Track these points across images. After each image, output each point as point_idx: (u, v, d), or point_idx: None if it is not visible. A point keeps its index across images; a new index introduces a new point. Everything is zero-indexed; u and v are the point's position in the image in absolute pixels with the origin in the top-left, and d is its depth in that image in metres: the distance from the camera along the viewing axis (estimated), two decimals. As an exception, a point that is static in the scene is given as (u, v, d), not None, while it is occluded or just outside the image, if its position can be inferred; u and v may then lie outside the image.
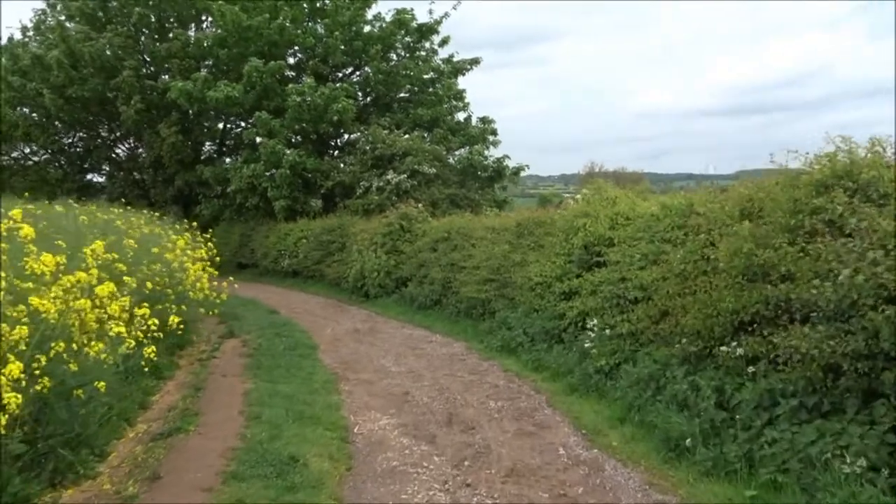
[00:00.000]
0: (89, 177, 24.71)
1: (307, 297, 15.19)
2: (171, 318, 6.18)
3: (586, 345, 6.39)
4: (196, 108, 19.38)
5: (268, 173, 18.81)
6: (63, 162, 23.99)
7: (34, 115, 21.05)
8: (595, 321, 6.45)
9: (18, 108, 20.89)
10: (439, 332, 10.21)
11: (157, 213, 11.71)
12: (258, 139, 19.22)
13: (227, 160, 20.58)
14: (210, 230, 21.72)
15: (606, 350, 6.09)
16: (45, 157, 23.97)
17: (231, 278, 11.11)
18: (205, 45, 19.85)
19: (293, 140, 20.34)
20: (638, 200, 8.08)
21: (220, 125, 22.42)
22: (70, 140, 23.32)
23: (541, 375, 6.97)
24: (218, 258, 11.64)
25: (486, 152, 21.35)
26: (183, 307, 6.97)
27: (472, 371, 7.50)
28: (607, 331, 6.21)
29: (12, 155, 24.37)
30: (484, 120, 23.24)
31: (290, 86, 18.68)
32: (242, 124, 21.53)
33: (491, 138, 22.63)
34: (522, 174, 23.54)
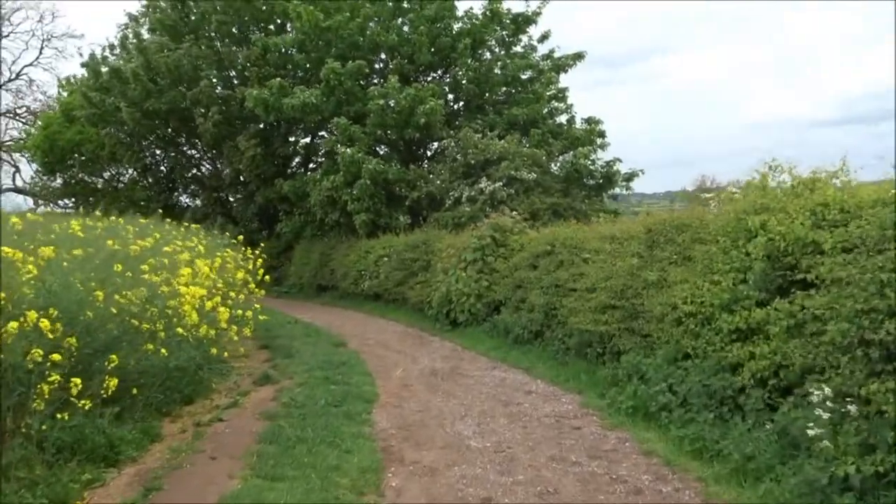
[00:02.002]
0: (176, 197, 24.09)
1: (385, 324, 13.01)
2: (109, 380, 4.04)
3: (807, 429, 3.60)
4: (273, 118, 17.94)
5: (348, 185, 16.97)
6: (150, 182, 23.51)
7: (118, 133, 20.51)
8: (822, 388, 3.65)
9: (102, 127, 20.41)
10: (541, 376, 7.63)
11: (195, 226, 9.89)
12: (337, 148, 17.47)
13: (307, 173, 18.99)
14: (291, 248, 20.49)
15: (853, 444, 3.31)
16: (131, 177, 23.60)
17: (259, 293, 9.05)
18: (282, 50, 18.47)
19: (376, 149, 18.48)
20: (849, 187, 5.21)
21: (301, 136, 20.98)
22: (154, 159, 22.77)
23: (711, 470, 4.24)
24: (266, 276, 9.72)
25: (592, 156, 18.54)
26: (163, 351, 4.84)
27: (594, 452, 4.88)
28: (851, 407, 3.42)
29: (104, 176, 24.23)
30: (590, 120, 20.43)
31: (372, 88, 16.81)
32: (324, 134, 19.96)
33: (598, 141, 19.81)
34: (632, 183, 20.37)
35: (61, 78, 23.25)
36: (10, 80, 31.78)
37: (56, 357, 3.61)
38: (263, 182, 19.82)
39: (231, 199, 22.41)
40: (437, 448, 5.09)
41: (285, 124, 19.54)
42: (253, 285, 9.22)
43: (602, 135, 20.21)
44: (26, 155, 26.57)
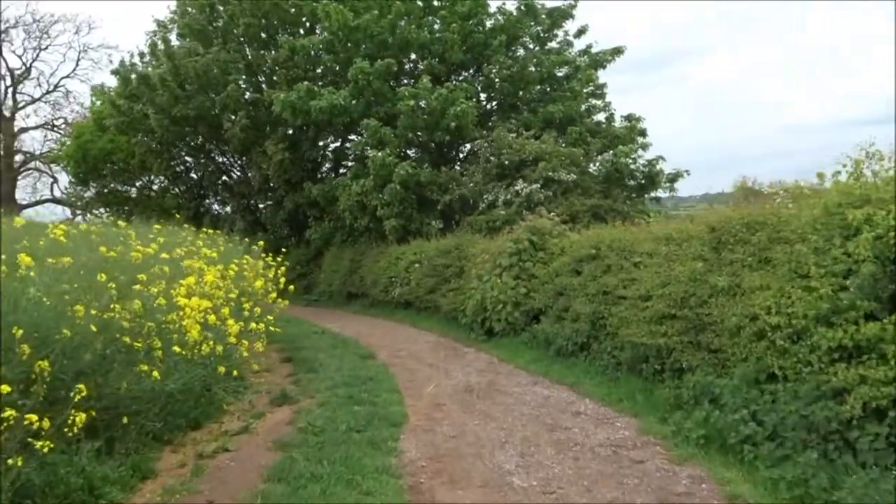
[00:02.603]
0: (207, 204, 23.83)
1: (417, 334, 12.28)
2: (74, 415, 3.37)
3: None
4: (300, 121, 17.41)
5: (378, 190, 16.32)
6: (181, 189, 23.29)
7: (148, 140, 20.28)
8: None
9: (132, 135, 20.21)
10: (589, 395, 6.78)
11: (212, 231, 9.28)
12: (367, 151, 16.86)
13: (336, 178, 18.43)
14: (321, 255, 19.95)
15: None
16: (162, 185, 23.43)
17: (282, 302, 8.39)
18: (311, 52, 17.96)
19: (405, 152, 17.84)
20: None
21: (330, 140, 20.46)
22: (184, 166, 22.54)
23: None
24: (291, 286, 9.10)
25: (633, 155, 17.55)
26: (154, 374, 4.16)
27: (665, 496, 4.05)
28: None
29: (136, 184, 24.12)
30: (629, 118, 19.47)
31: (402, 88, 16.16)
32: (353, 137, 19.37)
33: (640, 140, 18.82)
34: (677, 184, 19.19)
35: (93, 87, 23.10)
36: (48, 92, 32.18)
37: (5, 388, 2.95)
38: (292, 187, 19.34)
39: (260, 205, 22.01)
40: (475, 486, 4.31)
41: (313, 128, 19.01)
42: (274, 294, 8.59)
43: (643, 133, 19.24)
44: (61, 165, 26.67)
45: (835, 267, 4.22)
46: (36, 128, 30.47)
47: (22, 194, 32.19)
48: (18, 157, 32.18)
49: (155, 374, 4.08)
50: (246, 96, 19.64)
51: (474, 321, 11.04)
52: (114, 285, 4.19)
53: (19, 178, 32.55)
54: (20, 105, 31.37)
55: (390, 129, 16.54)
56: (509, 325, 10.24)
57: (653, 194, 18.26)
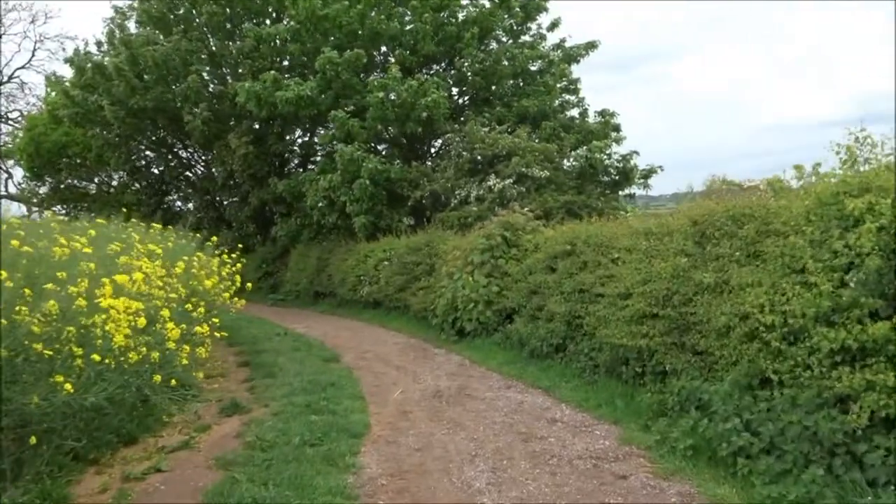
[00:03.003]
0: (169, 200, 22.94)
1: (386, 334, 11.77)
2: None
3: None
4: (266, 113, 16.74)
5: (346, 185, 15.74)
6: (142, 185, 22.37)
7: (105, 133, 19.37)
8: None
9: (87, 128, 19.29)
10: (566, 400, 6.36)
11: (156, 226, 8.64)
12: (335, 145, 16.27)
13: (304, 173, 17.78)
14: (288, 253, 19.29)
15: None
16: (122, 180, 22.51)
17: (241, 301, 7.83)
18: (277, 41, 17.30)
19: (375, 147, 17.31)
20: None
21: (297, 134, 19.80)
22: (144, 161, 21.63)
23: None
24: (249, 284, 8.53)
25: (608, 150, 17.26)
26: (66, 386, 3.59)
27: (652, 517, 3.62)
28: None
29: (94, 180, 23.15)
30: (603, 113, 19.23)
31: (372, 78, 15.61)
32: (322, 130, 18.74)
33: (613, 135, 18.55)
34: (650, 180, 18.90)
35: (48, 76, 22.02)
36: (1, 83, 30.89)
37: None
38: (257, 182, 18.65)
39: (225, 201, 21.24)
40: (440, 509, 3.84)
41: (280, 121, 18.35)
42: (227, 295, 8.01)
43: (617, 128, 19.02)
44: (14, 160, 25.51)
45: (835, 261, 3.84)
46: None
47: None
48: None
49: (68, 386, 3.54)
50: (209, 88, 18.87)
51: (445, 321, 10.58)
52: (15, 284, 3.61)
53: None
54: (-27, 98, 30.07)
55: (359, 122, 15.99)
56: (481, 325, 9.80)
57: (627, 191, 18.04)
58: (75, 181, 23.29)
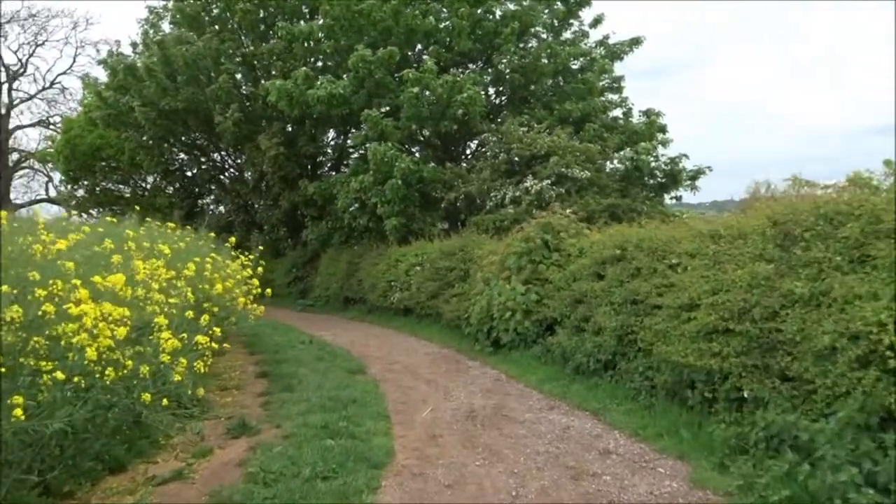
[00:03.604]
0: (203, 204, 22.69)
1: (416, 344, 11.05)
2: None
3: None
4: (297, 113, 16.24)
5: (378, 186, 15.11)
6: (175, 188, 22.16)
7: (138, 135, 19.17)
8: None
9: (120, 130, 19.11)
10: (619, 426, 5.53)
11: (171, 224, 8.05)
12: (368, 145, 15.68)
13: (334, 174, 17.24)
14: (318, 257, 18.77)
15: None
16: (154, 183, 22.34)
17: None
18: (309, 40, 16.81)
19: (409, 148, 16.66)
20: None
21: (331, 135, 19.29)
22: (177, 164, 21.39)
23: None
24: (269, 290, 7.92)
25: (654, 152, 16.32)
26: (16, 412, 2.94)
27: None
28: None
29: (129, 183, 23.06)
30: (648, 113, 18.28)
31: (406, 71, 14.96)
32: (354, 132, 18.20)
33: (660, 136, 17.60)
34: (698, 182, 17.81)
35: (83, 78, 21.99)
36: (43, 89, 31.32)
37: None
38: (288, 185, 18.18)
39: (256, 204, 20.86)
40: (474, 573, 3.07)
41: (312, 122, 17.86)
42: (243, 300, 7.39)
43: (663, 129, 18.05)
44: (52, 163, 25.66)
45: None
46: (31, 125, 29.54)
47: (16, 194, 31.32)
48: (14, 156, 31.31)
49: (17, 412, 2.89)
50: (241, 89, 18.51)
51: (479, 330, 9.80)
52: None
53: (14, 177, 31.68)
54: (15, 102, 30.52)
55: (392, 122, 15.37)
56: (519, 337, 9.00)
57: (673, 193, 17.05)
58: (110, 184, 23.23)
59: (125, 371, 3.67)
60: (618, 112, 18.65)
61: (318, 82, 15.66)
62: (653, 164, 16.08)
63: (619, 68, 18.76)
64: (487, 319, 9.61)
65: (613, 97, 18.98)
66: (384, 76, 15.75)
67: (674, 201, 17.41)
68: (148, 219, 8.12)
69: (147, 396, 3.90)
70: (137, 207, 18.30)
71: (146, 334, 4.30)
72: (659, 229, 7.28)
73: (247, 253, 8.89)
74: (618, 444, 5.10)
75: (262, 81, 18.68)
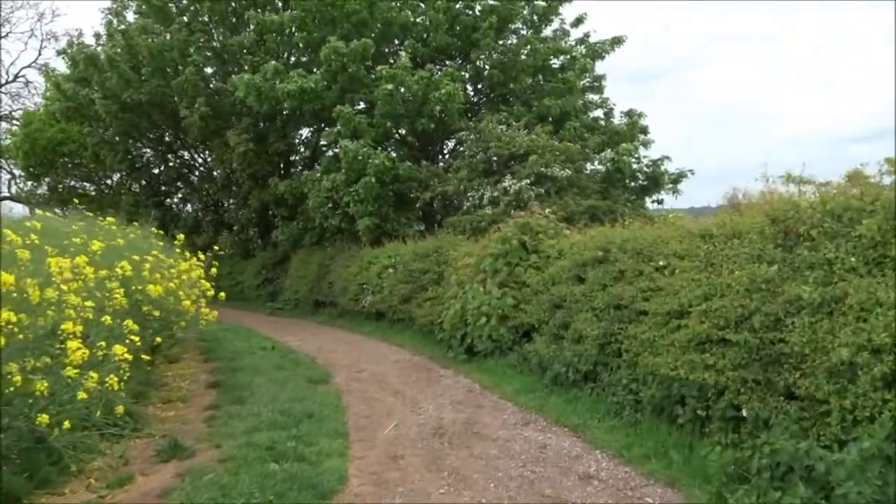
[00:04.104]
0: (170, 203, 21.81)
1: (387, 350, 10.44)
2: None
3: None
4: (267, 108, 15.56)
5: (350, 185, 14.47)
6: (141, 185, 21.27)
7: (99, 130, 18.30)
8: None
9: (81, 123, 18.22)
10: (601, 445, 4.99)
11: (111, 220, 7.35)
12: (340, 143, 15.05)
13: (306, 173, 16.53)
14: (289, 259, 18.05)
15: None
16: (121, 181, 21.45)
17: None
18: (282, 31, 16.13)
19: (384, 145, 16.05)
20: None
21: (303, 133, 18.59)
22: (143, 160, 20.48)
23: None
24: (221, 294, 7.27)
25: (636, 153, 15.93)
26: None
27: None
28: None
29: (92, 180, 22.14)
30: (630, 114, 17.89)
31: (380, 68, 14.37)
32: (328, 129, 17.55)
33: (641, 137, 17.19)
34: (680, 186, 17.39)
35: (43, 69, 21.02)
36: (7, 83, 30.18)
37: None
38: (258, 183, 17.47)
39: (225, 203, 20.08)
40: None
41: (283, 118, 17.18)
42: (188, 303, 6.73)
43: (644, 130, 17.65)
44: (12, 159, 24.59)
45: None
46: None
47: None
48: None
49: None
50: (210, 83, 17.75)
51: (453, 337, 9.22)
52: None
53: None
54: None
55: (366, 119, 14.77)
56: (494, 343, 8.44)
57: (655, 197, 16.68)
58: (73, 181, 22.27)
59: (12, 388, 3.03)
60: (599, 112, 18.25)
61: (289, 75, 15.03)
62: (634, 165, 15.71)
63: (602, 68, 18.36)
64: (461, 325, 9.04)
65: (594, 97, 18.57)
66: (358, 70, 15.14)
67: (655, 205, 17.02)
68: (109, 218, 7.51)
69: (45, 418, 3.26)
70: (98, 206, 17.45)
71: (54, 343, 3.67)
72: (644, 229, 6.78)
73: (209, 253, 8.19)
74: (600, 468, 4.55)
75: (233, 76, 17.99)
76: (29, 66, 29.23)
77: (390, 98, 14.37)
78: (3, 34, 28.82)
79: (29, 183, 22.96)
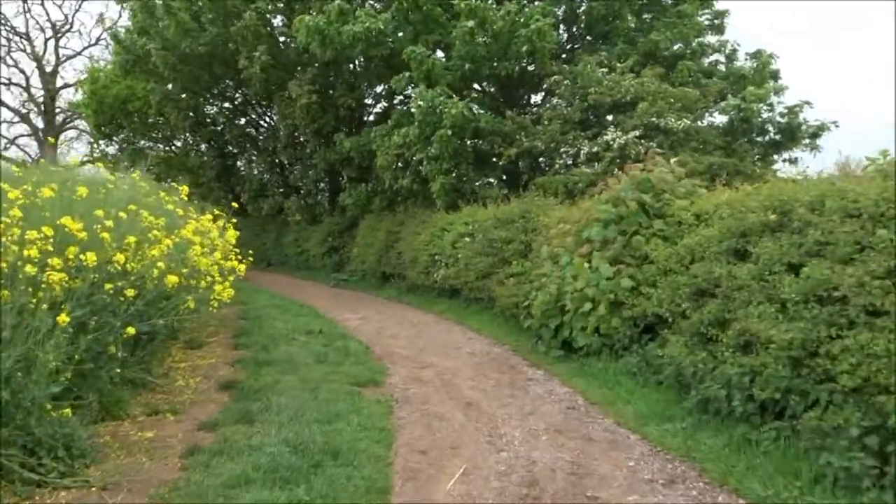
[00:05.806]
0: (235, 163, 20.59)
1: (460, 337, 8.47)
2: None
3: None
4: (331, 54, 13.72)
5: (423, 140, 12.47)
6: (207, 145, 20.11)
7: (163, 85, 17.10)
8: None
9: (139, 77, 17.04)
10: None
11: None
12: (411, 90, 13.06)
13: (375, 129, 14.68)
14: (356, 225, 16.39)
15: None
16: (185, 140, 20.36)
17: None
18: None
19: (463, 94, 13.91)
20: None
21: (380, 88, 16.62)
22: (207, 118, 19.21)
23: None
24: (242, 265, 5.46)
25: (768, 100, 13.00)
26: None
27: None
28: None
29: (160, 138, 21.21)
30: (757, 55, 14.86)
31: (459, 1, 12.18)
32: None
33: (771, 83, 14.16)
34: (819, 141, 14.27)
35: (104, 21, 20.03)
36: (89, 45, 29.99)
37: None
38: (323, 140, 15.75)
39: (289, 163, 18.56)
40: None
41: (350, 70, 15.31)
42: (205, 282, 4.98)
43: (775, 75, 14.65)
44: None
45: None
46: (74, 84, 28.11)
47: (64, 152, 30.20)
48: (60, 117, 30.17)
49: None
50: (273, 29, 16.06)
51: (544, 325, 7.12)
52: None
53: (62, 135, 30.59)
54: (62, 59, 29.26)
55: (440, 61, 12.68)
56: (602, 339, 6.30)
57: (786, 155, 13.72)
58: (142, 141, 21.43)
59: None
60: (719, 56, 15.32)
61: (356, 16, 13.10)
62: (766, 114, 12.86)
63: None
64: (556, 311, 6.91)
65: (712, 40, 15.61)
66: (433, 7, 13.03)
67: (786, 164, 14.05)
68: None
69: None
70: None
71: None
72: (850, 178, 4.41)
73: (225, 212, 6.45)
74: None
75: (295, 20, 16.25)
76: (109, 28, 28.72)
77: (470, 37, 12.17)
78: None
79: (100, 142, 22.30)
